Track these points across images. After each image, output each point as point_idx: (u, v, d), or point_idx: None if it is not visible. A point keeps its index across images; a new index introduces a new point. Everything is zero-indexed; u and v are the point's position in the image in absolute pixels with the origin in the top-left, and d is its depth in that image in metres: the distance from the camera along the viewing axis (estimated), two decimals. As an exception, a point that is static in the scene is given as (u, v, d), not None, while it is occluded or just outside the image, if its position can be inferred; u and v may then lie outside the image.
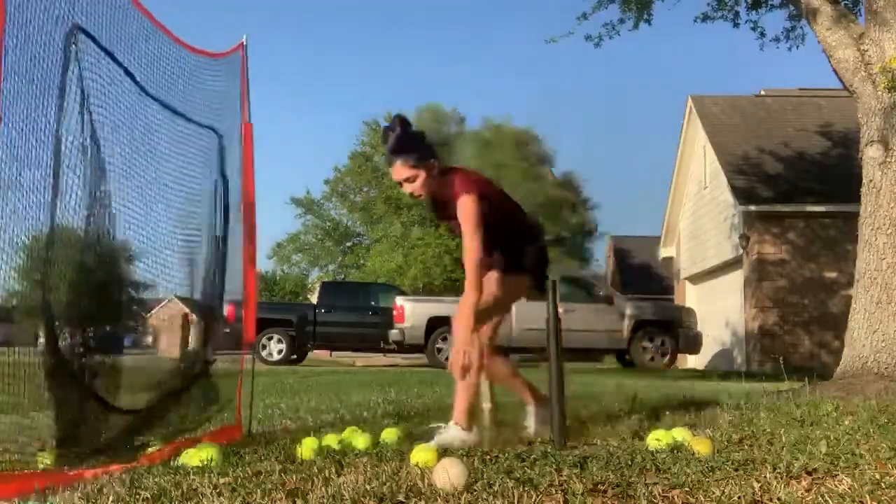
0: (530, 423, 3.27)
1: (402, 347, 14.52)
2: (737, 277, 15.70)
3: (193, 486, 2.06)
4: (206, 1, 72.45)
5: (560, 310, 3.52)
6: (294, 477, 2.17)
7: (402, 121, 2.98)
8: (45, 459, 2.37)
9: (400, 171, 2.94)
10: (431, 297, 20.75)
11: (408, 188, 2.98)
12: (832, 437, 2.76)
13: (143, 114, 2.68)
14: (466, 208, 2.89)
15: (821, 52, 5.69)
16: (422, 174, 2.94)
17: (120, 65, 2.52)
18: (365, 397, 5.44)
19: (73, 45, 2.25)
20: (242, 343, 3.52)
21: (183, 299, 3.40)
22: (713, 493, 1.95)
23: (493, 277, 3.09)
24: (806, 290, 14.46)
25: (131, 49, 2.60)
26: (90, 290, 2.32)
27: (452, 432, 2.96)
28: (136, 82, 2.63)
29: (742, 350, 15.42)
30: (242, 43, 3.51)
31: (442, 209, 3.06)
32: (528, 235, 3.18)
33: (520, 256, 3.14)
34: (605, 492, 2.00)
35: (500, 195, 3.13)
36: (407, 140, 2.96)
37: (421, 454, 2.38)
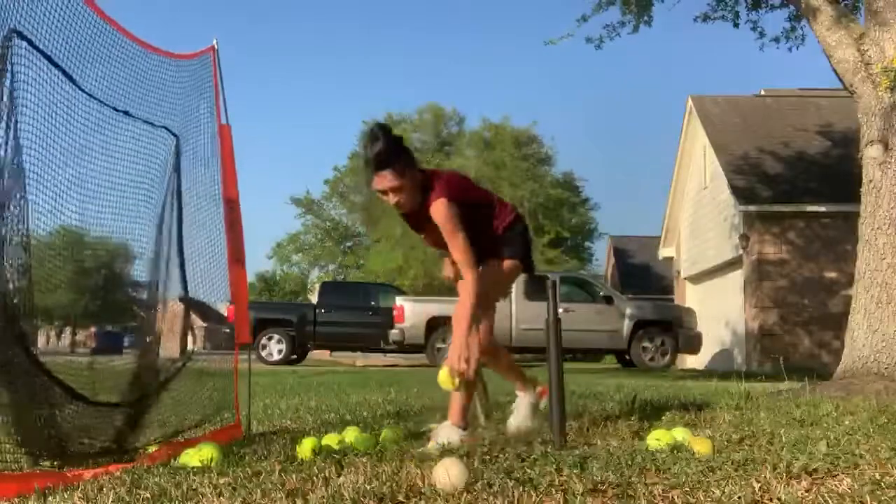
0: (517, 412, 3.33)
1: (402, 347, 14.54)
2: (737, 277, 15.70)
3: (193, 486, 2.06)
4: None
5: (560, 310, 3.53)
6: (294, 477, 2.17)
7: (386, 130, 2.87)
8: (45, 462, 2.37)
9: (386, 180, 2.85)
10: (431, 297, 20.77)
11: (393, 199, 2.90)
12: (832, 437, 2.76)
13: (79, 113, 2.63)
14: (439, 213, 2.87)
15: (821, 52, 5.69)
16: (407, 184, 2.87)
17: (57, 66, 2.49)
18: (365, 397, 5.44)
19: (8, 49, 2.23)
20: (235, 344, 3.48)
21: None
22: (713, 493, 1.95)
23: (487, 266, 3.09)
24: (806, 290, 14.46)
25: (76, 50, 2.56)
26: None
27: (448, 431, 2.96)
28: (75, 83, 2.59)
29: (742, 350, 15.43)
30: (213, 46, 3.47)
31: (421, 220, 3.00)
32: (511, 226, 3.16)
33: (506, 246, 3.13)
34: (605, 492, 2.00)
35: (476, 195, 3.10)
36: (392, 150, 2.85)
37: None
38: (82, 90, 2.64)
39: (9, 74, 2.25)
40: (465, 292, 2.91)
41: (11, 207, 2.24)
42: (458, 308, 2.90)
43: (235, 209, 3.44)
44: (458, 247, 2.88)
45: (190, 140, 3.38)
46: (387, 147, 2.83)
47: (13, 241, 2.23)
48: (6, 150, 2.23)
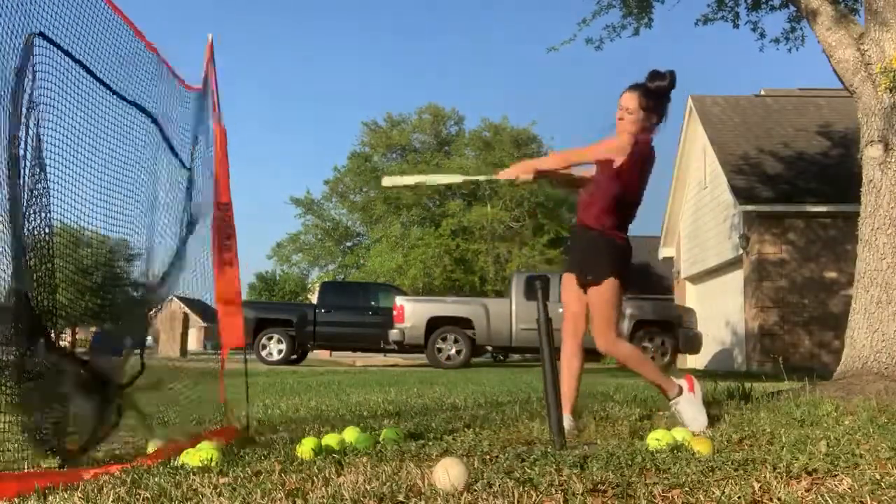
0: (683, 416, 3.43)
1: (402, 347, 14.54)
2: (737, 277, 15.69)
3: (193, 486, 2.06)
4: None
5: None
6: (294, 477, 2.17)
7: (671, 80, 3.36)
8: (49, 460, 2.37)
9: (628, 100, 3.35)
10: (431, 297, 20.78)
11: (618, 114, 3.36)
12: (832, 437, 2.76)
13: (98, 112, 2.64)
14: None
15: (821, 53, 5.69)
16: (634, 118, 3.34)
17: (77, 61, 2.48)
18: (365, 397, 5.44)
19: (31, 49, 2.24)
20: (222, 346, 3.40)
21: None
22: (713, 493, 1.95)
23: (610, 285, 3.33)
24: (806, 290, 14.46)
25: (97, 50, 2.57)
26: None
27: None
28: (100, 80, 2.59)
29: (742, 350, 15.42)
30: (210, 43, 3.36)
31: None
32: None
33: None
34: (605, 492, 2.00)
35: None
36: (653, 93, 3.35)
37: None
38: (105, 85, 2.62)
39: (30, 73, 2.24)
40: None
41: (34, 204, 2.24)
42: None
43: (228, 212, 3.36)
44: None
45: (200, 141, 3.36)
46: (653, 88, 3.35)
47: (37, 237, 2.23)
48: (27, 149, 2.23)
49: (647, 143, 3.42)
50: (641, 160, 3.41)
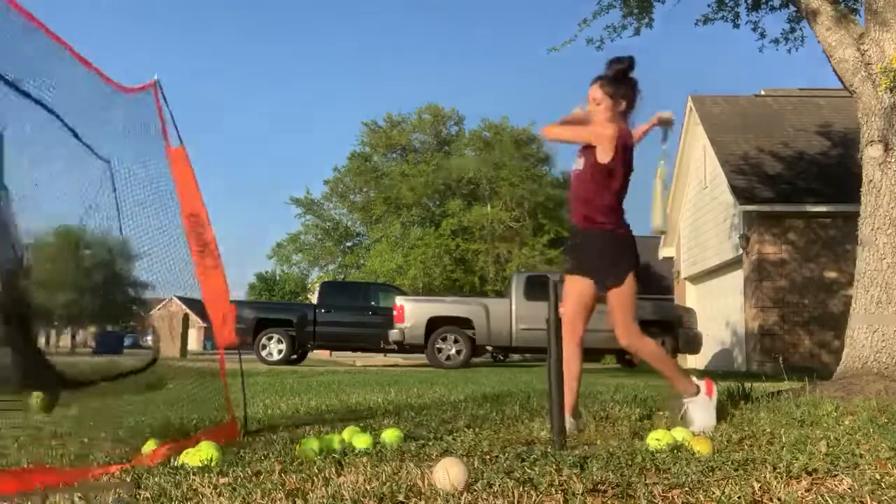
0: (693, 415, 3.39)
1: (402, 347, 14.53)
2: (737, 277, 15.69)
3: (193, 486, 2.06)
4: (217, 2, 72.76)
5: (560, 310, 3.53)
6: (294, 477, 2.17)
7: (625, 67, 3.32)
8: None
9: (592, 91, 3.33)
10: (431, 297, 20.77)
11: (590, 106, 3.35)
12: (832, 437, 2.76)
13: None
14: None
15: (821, 53, 5.69)
16: (605, 108, 3.32)
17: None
18: (365, 397, 5.43)
19: None
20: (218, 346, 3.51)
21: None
22: (713, 493, 1.95)
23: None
24: (806, 290, 14.45)
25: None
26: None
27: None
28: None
29: (742, 350, 15.42)
30: (155, 83, 3.53)
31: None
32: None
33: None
34: (605, 492, 2.00)
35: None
36: (617, 75, 3.32)
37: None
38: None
39: None
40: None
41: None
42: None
43: (201, 222, 3.48)
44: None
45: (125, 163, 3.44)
46: (613, 73, 3.31)
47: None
48: None
49: (629, 134, 3.42)
50: (628, 157, 3.41)
